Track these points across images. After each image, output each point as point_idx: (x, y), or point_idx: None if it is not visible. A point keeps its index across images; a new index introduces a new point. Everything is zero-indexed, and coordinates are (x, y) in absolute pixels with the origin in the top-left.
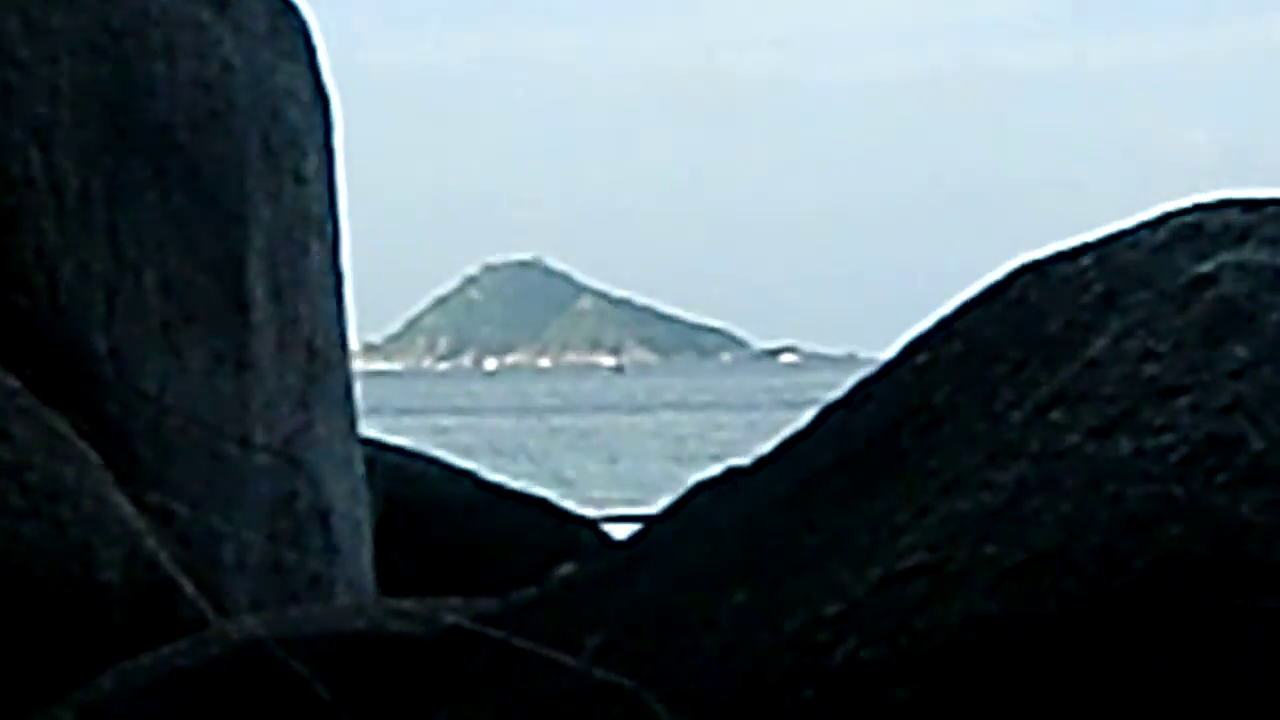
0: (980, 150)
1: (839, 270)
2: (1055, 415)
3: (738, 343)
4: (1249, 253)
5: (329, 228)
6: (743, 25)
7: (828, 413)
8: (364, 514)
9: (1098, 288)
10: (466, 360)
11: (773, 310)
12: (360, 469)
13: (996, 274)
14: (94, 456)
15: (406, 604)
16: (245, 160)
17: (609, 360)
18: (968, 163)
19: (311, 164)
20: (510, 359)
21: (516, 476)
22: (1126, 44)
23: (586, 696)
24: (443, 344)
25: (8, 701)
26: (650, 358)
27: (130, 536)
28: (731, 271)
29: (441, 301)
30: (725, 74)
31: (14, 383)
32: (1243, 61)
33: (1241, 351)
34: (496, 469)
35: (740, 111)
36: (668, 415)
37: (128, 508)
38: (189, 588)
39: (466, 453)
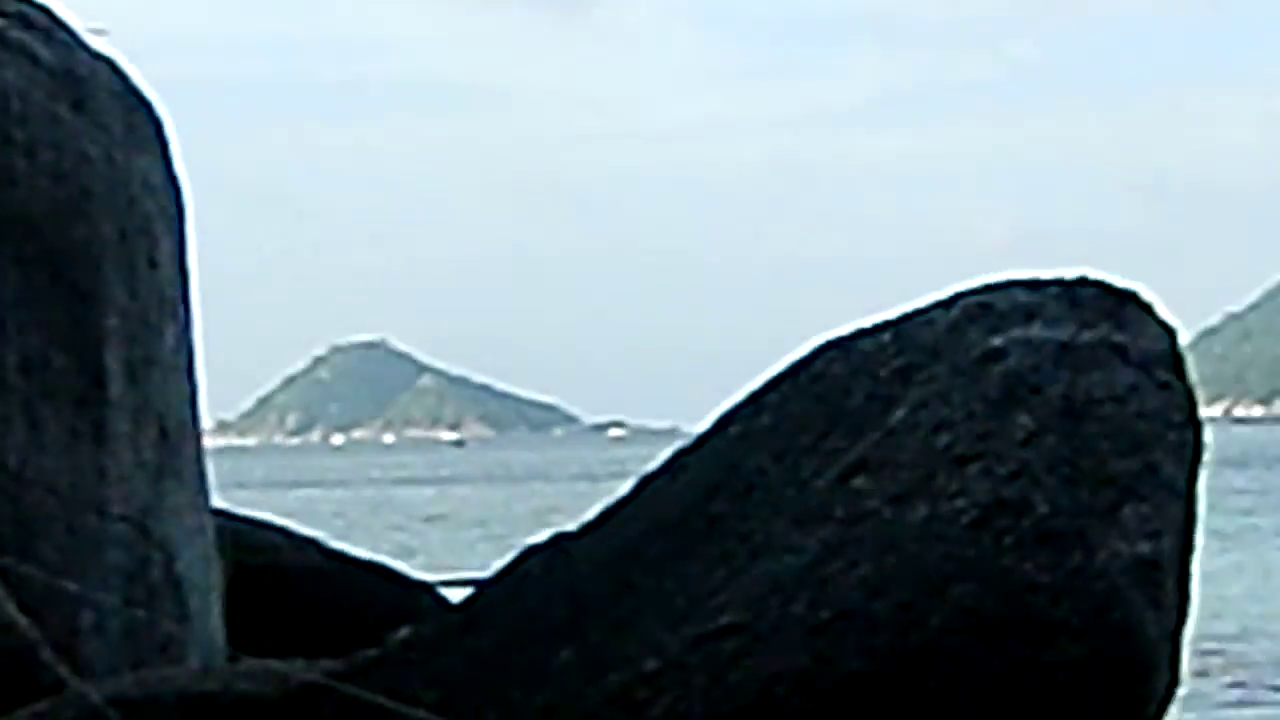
0: (791, 233)
1: (663, 349)
2: (857, 482)
3: (569, 418)
4: (1035, 330)
5: (182, 309)
6: (571, 118)
7: (647, 482)
8: (215, 580)
9: (896, 362)
10: (315, 436)
11: (601, 387)
12: (212, 538)
13: (802, 350)
14: None
15: (254, 665)
16: (102, 246)
17: (449, 435)
18: (780, 245)
19: (165, 249)
20: (356, 434)
21: (361, 544)
22: (934, 138)
23: None
24: (292, 420)
25: None
26: (487, 432)
27: None
28: (563, 350)
29: (291, 380)
30: (556, 163)
31: None
32: (1037, 155)
33: (1027, 421)
34: (342, 537)
35: (570, 198)
36: (509, 484)
37: None
38: (47, 651)
39: (313, 522)
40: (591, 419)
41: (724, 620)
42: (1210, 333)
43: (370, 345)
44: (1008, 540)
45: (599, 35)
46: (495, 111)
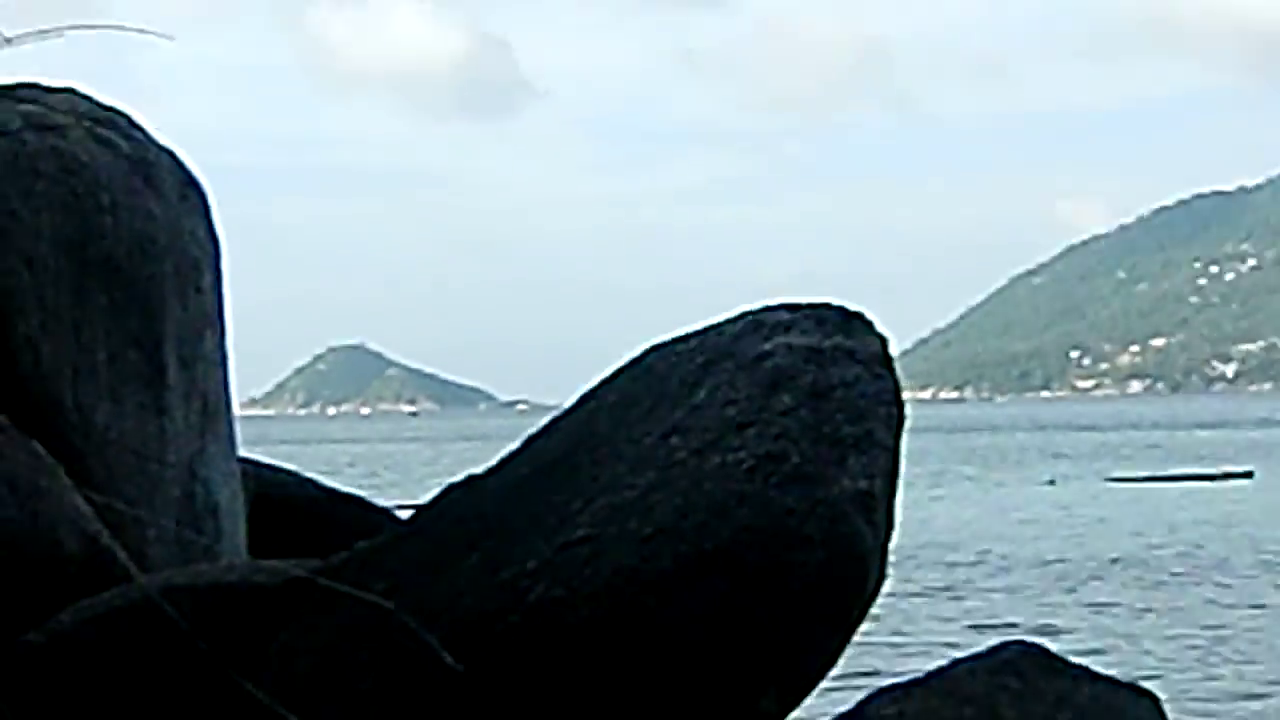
0: (641, 271)
1: (555, 348)
2: (672, 440)
3: (489, 397)
4: (793, 338)
5: (218, 321)
6: (497, 193)
7: (531, 440)
8: (240, 507)
9: (700, 359)
10: (315, 409)
11: (513, 375)
12: (238, 478)
13: (637, 350)
14: (61, 470)
15: (262, 563)
16: (163, 278)
17: (408, 408)
18: (633, 279)
19: (206, 280)
20: (344, 408)
21: (343, 482)
22: (740, 209)
23: (371, 619)
24: (300, 398)
25: (2, 629)
26: (434, 407)
27: (83, 521)
28: (487, 349)
29: (299, 370)
30: (485, 222)
31: (6, 421)
32: (805, 222)
33: (787, 400)
34: (330, 476)
35: (494, 246)
36: (444, 443)
37: (82, 503)
38: (122, 555)
39: (311, 467)
40: (505, 398)
41: (580, 534)
42: (923, 342)
43: (354, 346)
44: (773, 480)
45: (517, 138)
46: (444, 188)
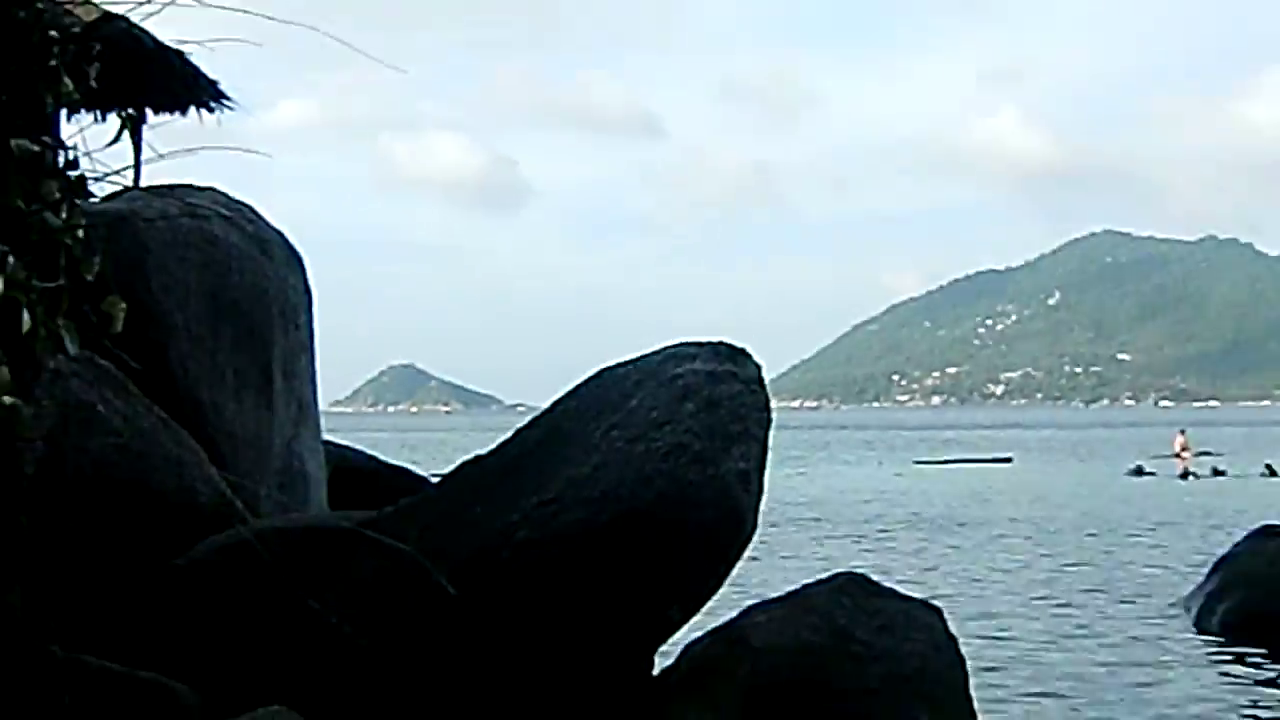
0: (605, 313)
1: (543, 368)
2: (613, 433)
3: (499, 401)
4: (697, 365)
5: (310, 347)
6: (505, 264)
7: (519, 431)
8: (323, 476)
9: (634, 377)
10: (380, 409)
11: (515, 385)
12: (321, 456)
13: (592, 371)
14: (201, 451)
15: (334, 514)
16: (272, 318)
17: (444, 409)
18: (599, 317)
19: (302, 319)
20: (399, 408)
21: (397, 458)
22: (667, 276)
23: (404, 560)
24: (369, 400)
25: (156, 557)
26: (461, 408)
27: (215, 485)
28: (499, 367)
29: (369, 381)
30: (492, 284)
31: (163, 414)
32: (706, 286)
33: (692, 407)
34: (389, 455)
35: (498, 301)
36: (467, 432)
37: (215, 472)
38: (239, 506)
39: (375, 448)
40: (510, 401)
41: (550, 496)
42: (792, 368)
43: (406, 365)
44: (682, 461)
45: (521, 225)
46: (469, 257)
